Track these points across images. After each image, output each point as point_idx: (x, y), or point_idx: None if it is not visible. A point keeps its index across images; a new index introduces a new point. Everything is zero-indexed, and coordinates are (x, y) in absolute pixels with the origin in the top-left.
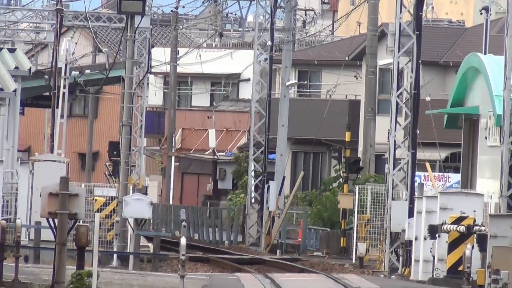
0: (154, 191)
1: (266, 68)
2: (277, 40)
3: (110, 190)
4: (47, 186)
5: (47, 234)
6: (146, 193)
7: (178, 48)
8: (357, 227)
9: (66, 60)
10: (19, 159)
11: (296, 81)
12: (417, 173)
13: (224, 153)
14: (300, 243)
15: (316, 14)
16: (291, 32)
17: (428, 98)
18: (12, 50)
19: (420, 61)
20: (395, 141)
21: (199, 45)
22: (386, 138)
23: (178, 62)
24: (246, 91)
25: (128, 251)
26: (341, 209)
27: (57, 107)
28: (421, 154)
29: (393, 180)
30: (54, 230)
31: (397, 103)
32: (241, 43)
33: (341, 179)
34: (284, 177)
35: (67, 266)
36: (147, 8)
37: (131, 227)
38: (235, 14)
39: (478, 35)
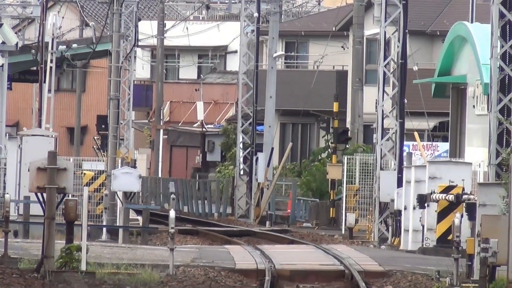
0: (143, 164)
1: (253, 40)
2: (263, 11)
3: (98, 164)
4: (36, 161)
5: (36, 209)
6: (134, 167)
7: (165, 21)
8: (346, 197)
9: (53, 34)
10: (7, 134)
11: (283, 52)
12: (405, 142)
13: (212, 125)
14: (290, 214)
15: None
16: (278, 3)
17: (415, 68)
18: None
19: (406, 30)
20: (383, 111)
21: (186, 17)
22: (374, 108)
23: (165, 35)
24: (233, 63)
25: (117, 224)
26: (330, 179)
27: (45, 82)
28: (409, 124)
29: (381, 150)
30: (43, 205)
31: (384, 73)
32: (228, 15)
33: (329, 150)
34: (272, 149)
35: (56, 240)
36: None
37: (120, 200)
38: None
39: (464, 4)
